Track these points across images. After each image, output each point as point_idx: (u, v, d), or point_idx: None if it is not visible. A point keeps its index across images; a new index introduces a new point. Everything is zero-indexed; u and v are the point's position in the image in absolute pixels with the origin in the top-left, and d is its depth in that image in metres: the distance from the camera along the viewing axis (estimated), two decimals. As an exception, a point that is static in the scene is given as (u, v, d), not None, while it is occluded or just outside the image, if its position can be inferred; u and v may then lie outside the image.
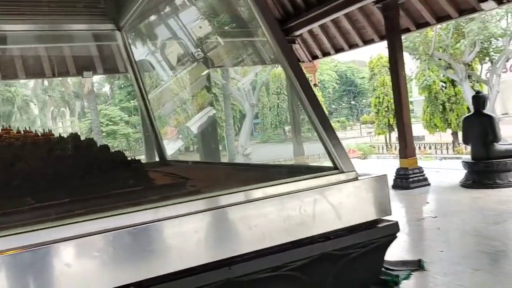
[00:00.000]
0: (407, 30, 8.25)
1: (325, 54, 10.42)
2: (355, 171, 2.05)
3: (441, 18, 7.76)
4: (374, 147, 24.37)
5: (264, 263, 1.76)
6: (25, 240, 1.47)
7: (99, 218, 1.58)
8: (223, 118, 21.34)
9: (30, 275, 1.44)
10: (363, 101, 43.90)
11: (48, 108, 32.99)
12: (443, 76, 19.69)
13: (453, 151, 20.06)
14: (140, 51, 5.08)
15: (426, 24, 8.07)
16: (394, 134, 26.87)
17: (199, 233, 1.66)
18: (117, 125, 32.20)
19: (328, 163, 2.15)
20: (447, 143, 20.92)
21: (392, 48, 7.08)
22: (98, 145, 2.59)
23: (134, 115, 34.51)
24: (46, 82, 28.73)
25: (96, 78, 29.59)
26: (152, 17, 4.85)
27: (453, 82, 20.08)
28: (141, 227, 1.59)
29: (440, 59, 18.63)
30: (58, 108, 33.51)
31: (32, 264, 1.44)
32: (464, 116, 7.13)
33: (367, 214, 2.00)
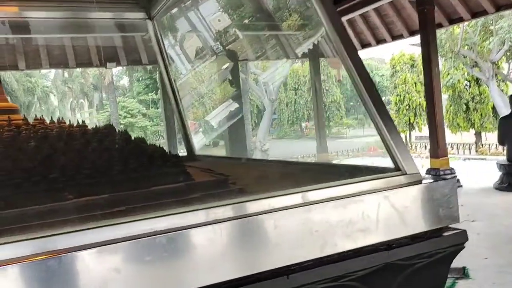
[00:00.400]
0: (440, 26, 7.97)
1: (351, 49, 10.17)
2: (419, 173, 1.87)
3: (476, 13, 7.47)
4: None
5: (325, 273, 1.59)
6: (67, 241, 1.34)
7: (148, 218, 1.44)
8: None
9: (72, 279, 1.30)
10: (383, 98, 43.38)
11: (67, 99, 33.33)
12: (468, 74, 19.22)
13: (476, 151, 19.63)
14: (170, 42, 4.93)
15: (460, 20, 7.79)
16: (414, 133, 26.46)
17: (255, 237, 1.51)
18: (135, 118, 32.38)
19: (376, 161, 1.98)
20: (469, 144, 20.49)
21: (426, 44, 6.82)
22: (133, 138, 2.46)
23: (152, 107, 34.68)
24: (66, 74, 28.96)
25: (115, 70, 29.73)
26: (187, 6, 4.70)
27: (477, 81, 19.60)
28: (193, 230, 1.44)
29: (465, 57, 18.17)
30: (77, 99, 33.82)
31: (70, 268, 1.30)
32: (501, 117, 6.86)
33: (433, 221, 1.82)
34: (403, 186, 1.81)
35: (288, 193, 1.65)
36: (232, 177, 2.19)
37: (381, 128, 1.90)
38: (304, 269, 1.57)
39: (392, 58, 25.47)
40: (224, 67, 8.62)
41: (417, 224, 1.79)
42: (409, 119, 24.49)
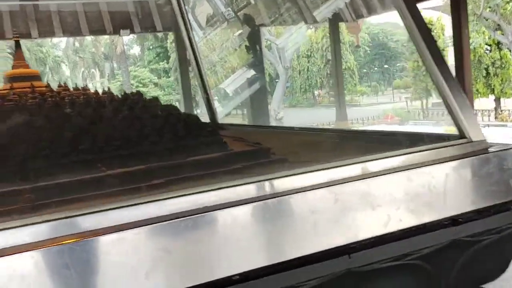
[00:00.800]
0: (468, -15, 7.55)
1: (372, 11, 9.75)
2: (485, 140, 1.69)
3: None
4: (409, 112, 23.64)
5: (388, 251, 1.45)
6: (106, 219, 1.20)
7: (196, 192, 1.29)
8: (255, 80, 20.72)
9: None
10: (397, 65, 42.40)
11: (79, 69, 33.14)
12: (489, 38, 18.53)
13: (495, 118, 19.18)
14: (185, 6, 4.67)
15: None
16: (432, 100, 25.92)
17: (315, 214, 1.36)
18: (146, 87, 32.15)
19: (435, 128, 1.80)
20: (488, 110, 19.99)
21: (455, 4, 6.46)
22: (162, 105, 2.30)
23: (163, 77, 34.37)
24: (77, 43, 28.68)
25: (126, 39, 29.30)
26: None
27: (498, 45, 18.91)
28: (246, 206, 1.29)
29: (487, 20, 17.47)
30: (89, 69, 33.62)
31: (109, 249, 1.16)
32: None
33: (502, 193, 1.65)
34: (470, 155, 1.63)
35: (345, 164, 1.49)
36: (272, 147, 2.03)
37: (443, 89, 1.70)
38: (366, 247, 1.42)
39: (409, 22, 24.68)
40: (241, 33, 8.32)
41: (485, 197, 1.63)
42: (427, 86, 23.96)
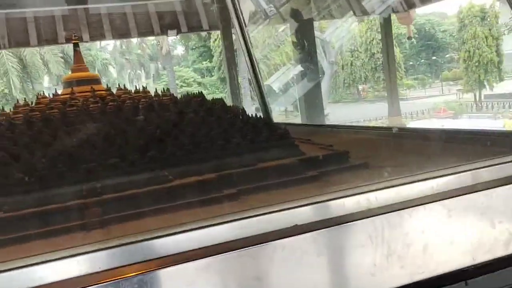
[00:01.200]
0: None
1: (425, 1, 9.25)
2: None
3: None
4: (462, 105, 22.59)
5: (510, 276, 1.21)
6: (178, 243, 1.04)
7: (285, 209, 1.11)
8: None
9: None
10: (446, 56, 40.70)
11: (126, 71, 34.03)
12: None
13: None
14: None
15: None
16: (485, 92, 24.67)
17: (426, 233, 1.15)
18: (190, 87, 32.63)
19: None
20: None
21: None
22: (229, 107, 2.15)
23: (206, 76, 34.78)
24: (124, 46, 29.46)
25: (170, 39, 29.75)
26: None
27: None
28: (346, 226, 1.10)
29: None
30: (135, 70, 34.46)
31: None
32: None
33: None
34: None
35: (455, 172, 1.26)
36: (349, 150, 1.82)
37: None
38: (484, 271, 1.20)
39: (460, 11, 23.60)
40: (292, 27, 8.11)
41: None
42: (479, 77, 22.81)
